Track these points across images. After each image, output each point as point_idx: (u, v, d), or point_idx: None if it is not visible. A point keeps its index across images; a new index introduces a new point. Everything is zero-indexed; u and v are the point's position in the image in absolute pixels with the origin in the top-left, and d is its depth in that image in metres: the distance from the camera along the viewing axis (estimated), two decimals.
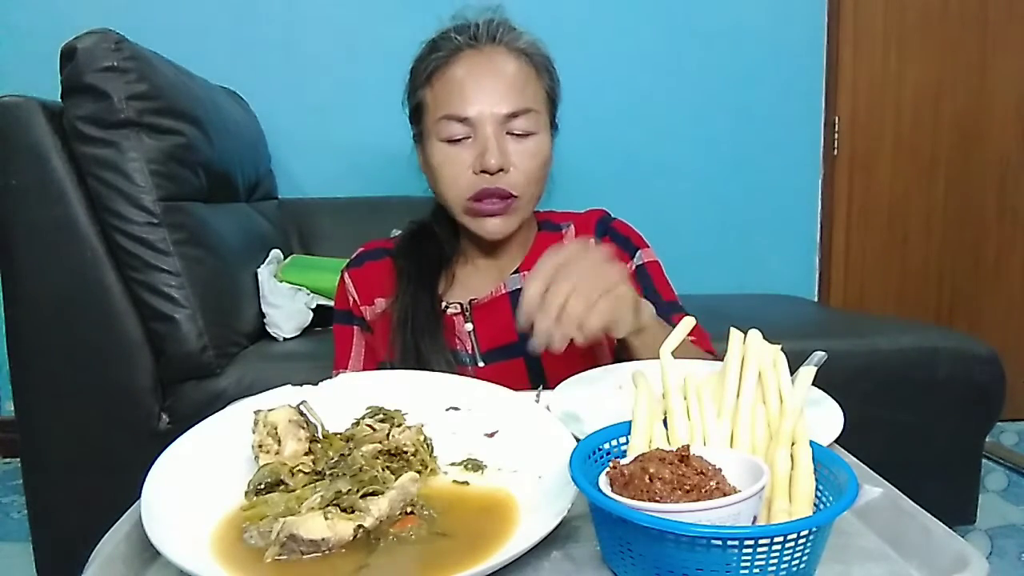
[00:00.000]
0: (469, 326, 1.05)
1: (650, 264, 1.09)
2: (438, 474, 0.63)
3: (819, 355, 0.70)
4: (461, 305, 1.06)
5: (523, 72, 0.99)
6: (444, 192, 1.01)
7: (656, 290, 1.07)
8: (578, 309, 0.73)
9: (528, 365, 1.02)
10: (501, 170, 0.96)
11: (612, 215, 1.15)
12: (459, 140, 0.97)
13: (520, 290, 1.03)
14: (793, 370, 0.57)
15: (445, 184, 0.99)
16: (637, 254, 1.09)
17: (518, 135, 0.98)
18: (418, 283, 1.05)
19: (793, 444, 0.52)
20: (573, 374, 0.83)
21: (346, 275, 1.12)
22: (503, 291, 1.06)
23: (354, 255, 1.15)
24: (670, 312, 1.02)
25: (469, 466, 0.64)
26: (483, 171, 0.96)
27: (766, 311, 2.13)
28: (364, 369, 1.07)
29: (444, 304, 1.06)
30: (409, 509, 0.56)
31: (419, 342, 1.00)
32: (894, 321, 2.06)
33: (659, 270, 1.09)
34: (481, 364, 1.04)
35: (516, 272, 1.08)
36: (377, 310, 1.08)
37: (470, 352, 1.04)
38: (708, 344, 1.03)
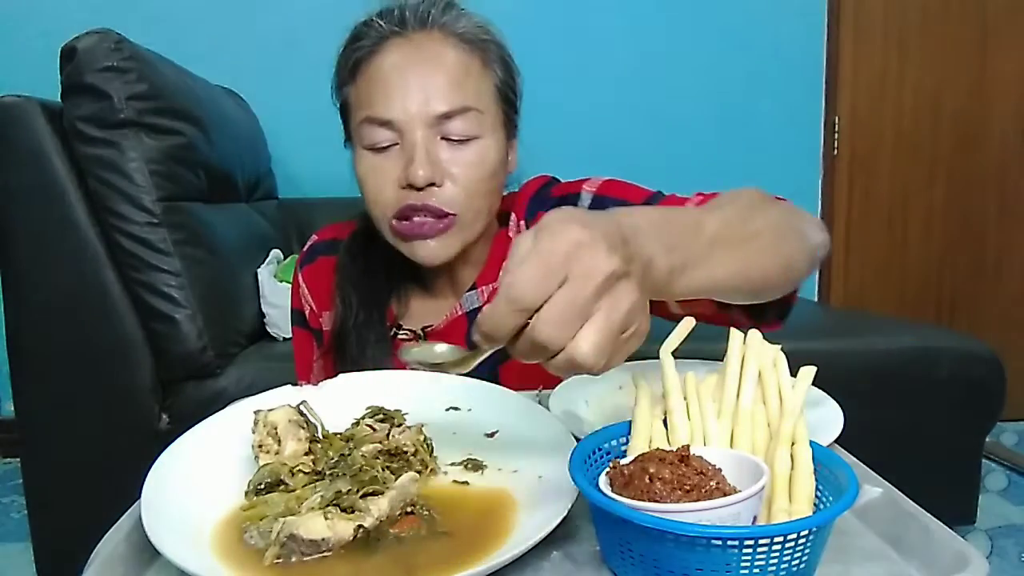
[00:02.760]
0: None
1: (601, 188, 0.89)
2: (438, 474, 0.63)
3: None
4: (413, 332, 0.93)
5: (462, 63, 0.82)
6: (369, 209, 0.85)
7: (623, 200, 0.88)
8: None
9: None
10: (433, 184, 0.80)
11: (556, 181, 0.96)
12: (384, 148, 0.81)
13: (479, 309, 0.87)
14: (793, 371, 0.57)
15: (368, 200, 0.84)
16: (580, 199, 0.89)
17: (455, 140, 0.81)
18: (364, 306, 0.91)
19: (793, 444, 0.52)
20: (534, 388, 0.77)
21: (300, 275, 1.00)
22: (459, 312, 0.92)
23: (306, 247, 1.01)
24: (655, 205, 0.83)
25: (469, 466, 0.64)
26: (409, 185, 0.80)
27: None
28: None
29: (394, 329, 0.93)
30: (409, 509, 0.56)
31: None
32: (894, 321, 2.06)
33: (614, 185, 0.90)
34: None
35: (473, 288, 0.92)
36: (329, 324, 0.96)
37: None
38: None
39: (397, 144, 0.81)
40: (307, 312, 0.99)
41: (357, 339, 0.89)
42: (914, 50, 2.55)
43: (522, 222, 0.92)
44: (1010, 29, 2.54)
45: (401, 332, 0.93)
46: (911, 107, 2.57)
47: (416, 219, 0.81)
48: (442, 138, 0.81)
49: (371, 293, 0.92)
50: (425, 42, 0.82)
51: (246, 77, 2.27)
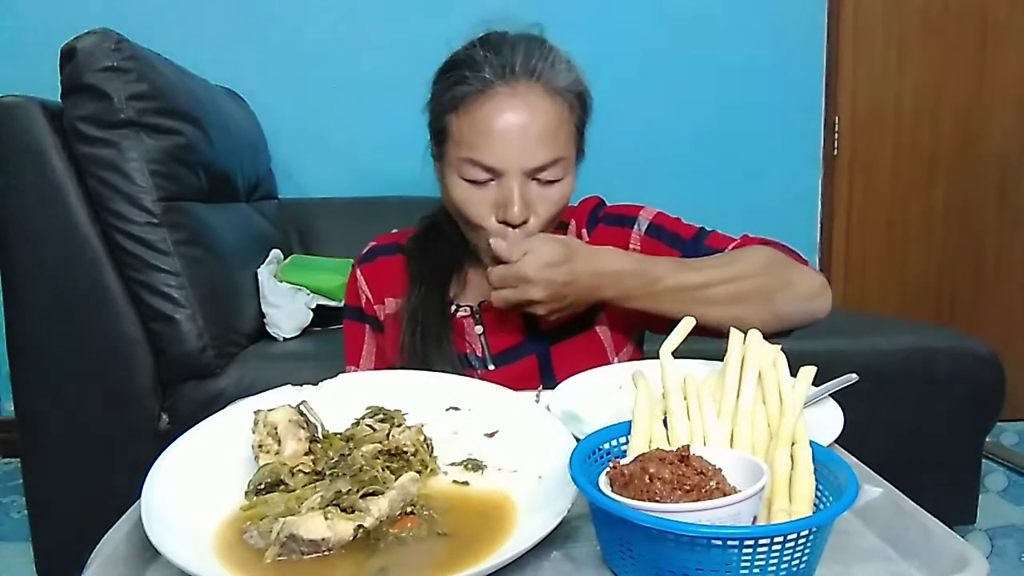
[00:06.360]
0: (479, 328, 1.04)
1: (656, 218, 1.04)
2: (438, 474, 0.63)
3: (851, 377, 0.73)
4: (471, 308, 1.05)
5: (557, 115, 0.93)
6: (463, 226, 0.99)
7: (675, 234, 1.02)
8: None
9: (540, 364, 1.01)
10: (525, 221, 0.93)
11: (604, 202, 1.11)
12: (482, 183, 0.93)
13: None
14: (793, 371, 0.57)
15: (465, 222, 0.97)
16: (637, 222, 1.04)
17: (544, 182, 0.94)
18: (428, 286, 1.03)
19: (793, 444, 0.52)
20: (583, 371, 0.84)
21: (358, 271, 1.11)
22: None
23: (366, 249, 1.13)
24: (699, 244, 0.99)
25: (469, 466, 0.64)
26: (504, 222, 0.93)
27: None
28: (375, 370, 1.06)
29: (454, 307, 1.05)
30: (409, 509, 0.56)
31: (427, 348, 0.98)
32: (894, 321, 2.06)
33: (667, 218, 1.05)
34: (491, 367, 1.03)
35: None
36: (387, 310, 1.07)
37: (480, 355, 1.03)
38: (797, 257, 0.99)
39: (493, 180, 0.93)
40: (363, 303, 1.10)
41: (423, 314, 1.02)
42: (914, 50, 2.55)
43: (583, 230, 1.08)
44: (1010, 29, 2.54)
45: (460, 309, 1.06)
46: (911, 107, 2.57)
47: None
48: (533, 179, 0.93)
49: (436, 278, 1.05)
50: (529, 95, 0.91)
51: (246, 77, 2.27)
